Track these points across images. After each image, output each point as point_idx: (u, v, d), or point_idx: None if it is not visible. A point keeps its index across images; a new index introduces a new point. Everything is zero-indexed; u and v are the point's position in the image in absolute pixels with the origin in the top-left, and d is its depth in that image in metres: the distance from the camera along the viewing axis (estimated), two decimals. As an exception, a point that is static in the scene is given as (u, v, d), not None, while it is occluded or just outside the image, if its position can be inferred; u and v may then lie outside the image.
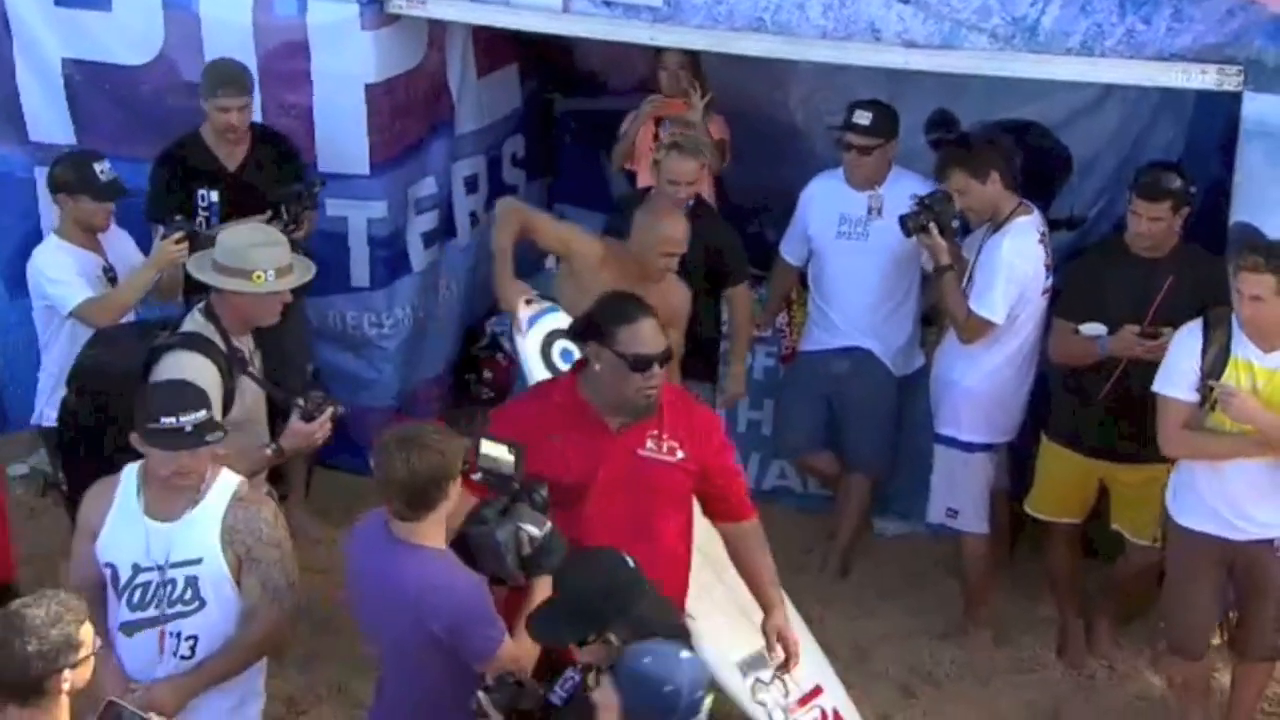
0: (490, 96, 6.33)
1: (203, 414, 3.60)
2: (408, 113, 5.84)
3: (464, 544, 3.60)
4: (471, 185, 6.31)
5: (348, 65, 5.61)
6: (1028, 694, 5.19)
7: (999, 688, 5.21)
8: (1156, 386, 4.55)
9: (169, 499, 3.64)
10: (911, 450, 5.71)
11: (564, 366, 4.60)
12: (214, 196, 5.35)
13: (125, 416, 3.76)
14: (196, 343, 4.12)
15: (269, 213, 5.23)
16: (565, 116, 6.81)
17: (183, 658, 3.68)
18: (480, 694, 3.35)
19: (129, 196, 5.22)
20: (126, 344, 4.30)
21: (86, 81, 5.77)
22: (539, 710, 3.38)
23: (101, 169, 5.05)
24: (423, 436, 3.51)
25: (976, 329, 5.10)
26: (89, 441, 4.23)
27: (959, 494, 5.31)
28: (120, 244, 5.24)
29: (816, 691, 4.57)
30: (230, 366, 4.15)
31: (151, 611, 3.65)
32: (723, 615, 4.43)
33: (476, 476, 3.61)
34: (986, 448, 5.29)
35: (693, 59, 5.84)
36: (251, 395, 4.22)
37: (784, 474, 6.09)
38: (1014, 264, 5.06)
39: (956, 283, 5.13)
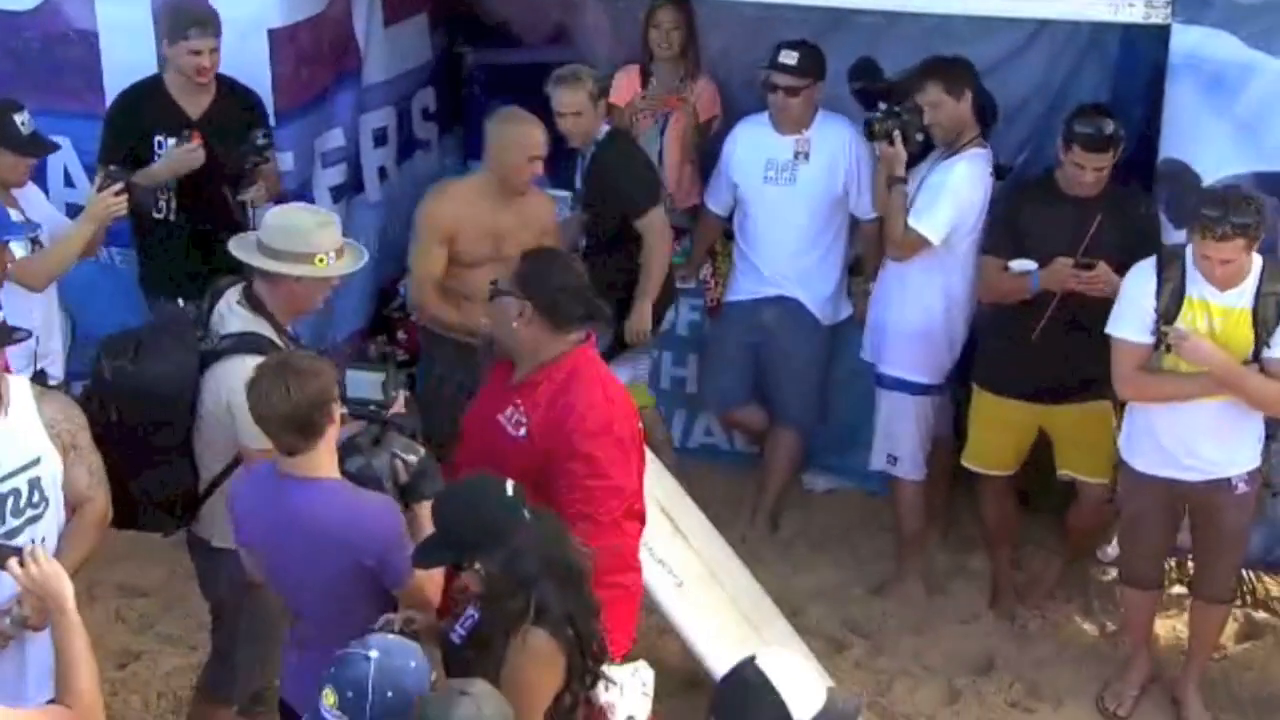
0: (399, 47, 6.11)
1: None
2: (313, 61, 5.60)
3: None
4: (380, 138, 6.10)
5: (249, 10, 5.35)
6: (960, 644, 5.13)
7: (932, 638, 5.15)
8: (1110, 329, 4.48)
9: None
10: (840, 402, 5.62)
11: None
12: (172, 145, 5.10)
13: (180, 427, 3.78)
14: (257, 344, 3.82)
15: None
16: (476, 70, 6.62)
17: None
18: None
19: (52, 152, 4.93)
20: (161, 352, 3.87)
21: (-33, 29, 5.48)
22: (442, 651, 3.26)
23: (21, 120, 4.72)
24: (294, 363, 3.44)
25: (911, 245, 5.02)
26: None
27: (901, 439, 5.24)
28: (33, 199, 4.90)
29: None
30: None
31: None
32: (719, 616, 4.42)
33: (344, 410, 3.53)
34: (927, 390, 5.21)
35: (688, 19, 5.64)
36: None
37: (710, 431, 5.98)
38: (960, 189, 4.99)
39: (904, 198, 5.03)
